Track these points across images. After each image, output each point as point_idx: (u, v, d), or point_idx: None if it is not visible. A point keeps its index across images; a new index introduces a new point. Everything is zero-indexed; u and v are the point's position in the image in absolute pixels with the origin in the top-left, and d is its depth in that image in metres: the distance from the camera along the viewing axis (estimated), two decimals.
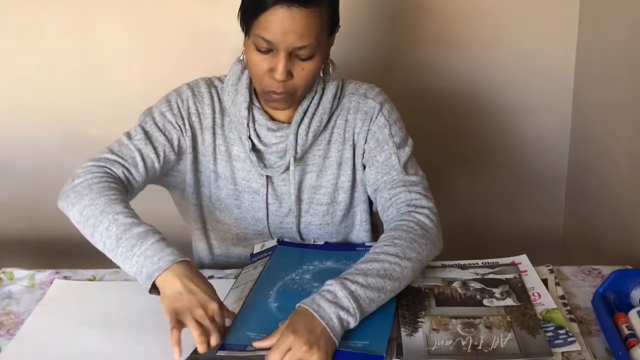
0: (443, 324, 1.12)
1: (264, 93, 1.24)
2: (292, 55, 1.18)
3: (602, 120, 1.79)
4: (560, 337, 1.09)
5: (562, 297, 1.21)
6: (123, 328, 1.17)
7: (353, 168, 1.37)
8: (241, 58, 1.27)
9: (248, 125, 1.31)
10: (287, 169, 1.33)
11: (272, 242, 1.39)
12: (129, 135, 1.29)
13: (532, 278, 1.26)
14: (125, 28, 1.82)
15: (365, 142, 1.35)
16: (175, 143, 1.32)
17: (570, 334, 1.09)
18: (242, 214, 1.39)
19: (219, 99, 1.35)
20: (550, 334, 1.10)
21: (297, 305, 1.07)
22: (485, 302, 1.18)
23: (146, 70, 1.86)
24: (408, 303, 1.18)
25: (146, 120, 1.31)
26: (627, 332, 1.08)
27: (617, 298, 1.17)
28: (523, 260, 1.32)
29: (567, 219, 2.08)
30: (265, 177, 1.35)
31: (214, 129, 1.35)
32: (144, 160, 1.27)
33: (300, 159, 1.34)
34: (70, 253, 1.61)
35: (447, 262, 1.31)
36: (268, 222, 1.39)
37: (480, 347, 1.06)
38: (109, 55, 1.85)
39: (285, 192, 1.37)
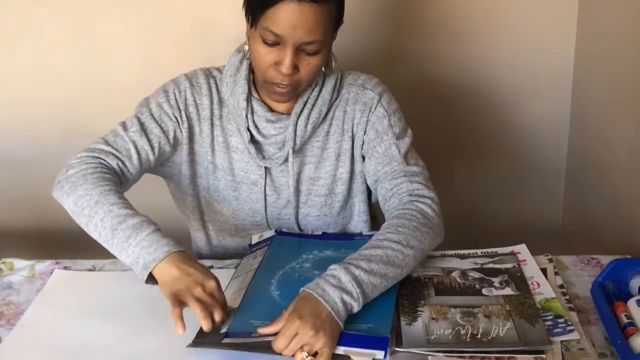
0: (442, 313, 1.13)
1: (267, 84, 1.23)
2: (298, 50, 1.17)
3: (601, 111, 1.79)
4: (559, 326, 1.10)
5: (561, 287, 1.22)
6: (123, 318, 1.17)
7: (352, 159, 1.37)
8: (245, 49, 1.26)
9: (247, 116, 1.30)
10: (286, 160, 1.33)
11: (270, 233, 1.39)
12: (124, 126, 1.29)
13: (531, 267, 1.26)
14: (123, 19, 1.82)
15: (365, 133, 1.35)
16: (171, 135, 1.31)
17: (569, 323, 1.10)
18: (240, 205, 1.39)
19: (217, 90, 1.34)
20: (549, 323, 1.10)
21: (301, 289, 1.08)
22: (484, 291, 1.19)
23: (144, 61, 1.85)
24: (407, 292, 1.19)
25: (142, 111, 1.31)
26: (625, 320, 1.08)
27: (615, 287, 1.17)
28: (522, 250, 1.32)
29: (566, 209, 2.08)
30: (263, 169, 1.35)
31: (211, 120, 1.34)
32: (138, 152, 1.27)
33: (298, 151, 1.34)
34: (70, 243, 1.61)
35: (446, 252, 1.31)
36: (266, 214, 1.39)
37: (479, 336, 1.07)
38: (107, 46, 1.84)
39: (284, 183, 1.37)
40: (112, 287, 1.28)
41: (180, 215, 1.48)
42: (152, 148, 1.29)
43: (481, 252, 1.32)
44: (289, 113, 1.32)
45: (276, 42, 1.16)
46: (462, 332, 1.08)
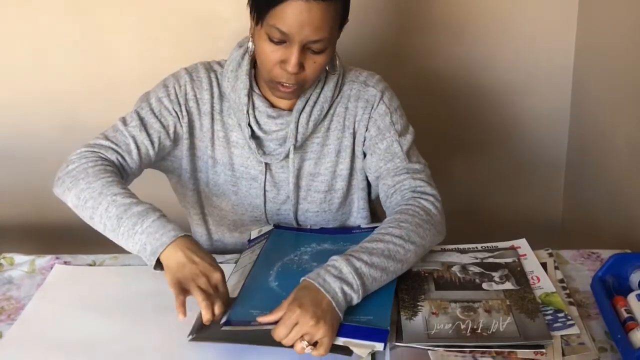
0: (442, 307, 1.13)
1: (272, 82, 1.22)
2: (304, 48, 1.17)
3: (600, 106, 1.79)
4: (559, 320, 1.10)
5: (561, 281, 1.22)
6: (123, 313, 1.17)
7: (352, 156, 1.37)
8: (249, 46, 1.26)
9: (248, 112, 1.30)
10: (287, 156, 1.33)
11: (269, 228, 1.39)
12: (124, 121, 1.29)
13: (531, 262, 1.26)
14: (124, 13, 1.81)
15: (366, 130, 1.35)
16: (171, 129, 1.31)
17: (569, 318, 1.10)
18: (239, 200, 1.39)
19: (218, 84, 1.34)
20: (549, 317, 1.10)
21: (302, 279, 1.08)
22: (484, 285, 1.19)
23: (145, 56, 1.85)
24: (407, 287, 1.19)
25: (142, 106, 1.31)
26: (625, 315, 1.08)
27: (616, 281, 1.18)
28: (522, 244, 1.32)
29: (566, 204, 2.09)
30: (263, 164, 1.35)
31: (212, 114, 1.34)
32: (137, 147, 1.27)
33: (299, 147, 1.34)
34: (71, 238, 1.62)
35: (446, 246, 1.31)
36: (265, 209, 1.39)
37: (479, 331, 1.07)
38: (107, 41, 1.84)
39: (284, 179, 1.37)
40: (112, 282, 1.28)
41: (182, 209, 1.48)
42: (152, 143, 1.29)
43: (481, 247, 1.32)
44: (290, 109, 1.32)
45: (282, 40, 1.16)
46: (462, 326, 1.08)
